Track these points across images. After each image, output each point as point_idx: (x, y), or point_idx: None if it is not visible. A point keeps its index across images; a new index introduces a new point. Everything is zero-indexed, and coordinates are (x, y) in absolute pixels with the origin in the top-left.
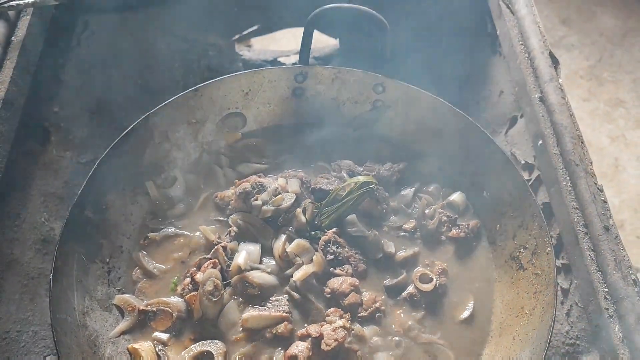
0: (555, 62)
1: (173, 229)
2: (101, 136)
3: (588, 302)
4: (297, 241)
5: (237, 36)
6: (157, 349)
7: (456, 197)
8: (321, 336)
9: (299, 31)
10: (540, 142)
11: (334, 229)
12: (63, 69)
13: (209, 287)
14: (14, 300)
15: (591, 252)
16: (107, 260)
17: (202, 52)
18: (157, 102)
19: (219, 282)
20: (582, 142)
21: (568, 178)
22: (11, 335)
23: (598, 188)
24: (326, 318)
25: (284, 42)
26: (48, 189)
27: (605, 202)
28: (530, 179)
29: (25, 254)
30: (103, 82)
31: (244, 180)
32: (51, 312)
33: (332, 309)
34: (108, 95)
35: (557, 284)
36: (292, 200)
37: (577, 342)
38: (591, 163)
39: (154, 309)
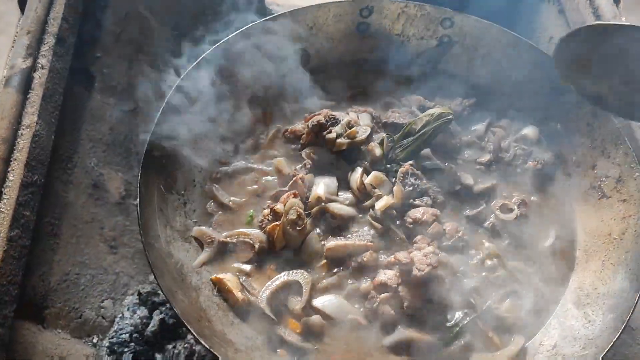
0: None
1: (244, 162)
2: (141, 85)
3: None
4: (375, 173)
5: None
6: (241, 280)
7: (529, 130)
8: (412, 262)
9: None
10: None
11: (410, 162)
12: (103, 13)
13: (292, 216)
14: (71, 244)
15: None
16: (182, 192)
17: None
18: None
19: (301, 211)
20: None
21: None
22: (71, 278)
23: None
24: (414, 245)
25: None
26: (95, 135)
27: None
28: None
29: (79, 198)
30: (141, 29)
31: (316, 113)
32: (142, 238)
33: (419, 237)
34: (145, 42)
35: None
36: (368, 133)
37: None
38: None
39: (234, 240)
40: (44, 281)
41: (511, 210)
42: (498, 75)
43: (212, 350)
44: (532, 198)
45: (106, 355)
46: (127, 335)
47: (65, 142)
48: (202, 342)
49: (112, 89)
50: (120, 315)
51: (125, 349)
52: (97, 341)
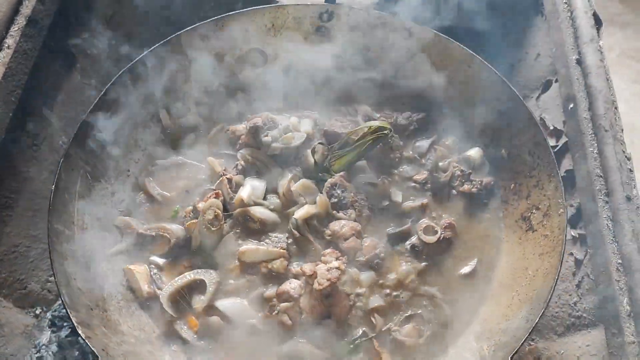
0: (598, 23)
1: (182, 158)
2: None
3: (599, 272)
4: (303, 181)
5: None
6: (151, 272)
7: (473, 152)
8: (315, 275)
9: None
10: (571, 105)
11: (341, 173)
12: None
13: (209, 216)
14: (25, 217)
15: (609, 222)
16: (113, 181)
17: None
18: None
19: (219, 212)
20: (615, 108)
21: (595, 144)
22: (20, 250)
23: (626, 156)
24: (322, 258)
25: None
26: (70, 114)
27: (631, 171)
28: (557, 145)
29: (41, 174)
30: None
31: (256, 115)
32: (49, 222)
33: (328, 250)
34: (136, 26)
35: (572, 254)
36: (302, 140)
37: (584, 314)
38: (622, 130)
39: (153, 233)
40: None
41: (435, 232)
42: (454, 92)
43: (86, 340)
44: (462, 222)
45: (47, 327)
46: None
47: (34, 120)
48: (79, 331)
49: (94, 71)
50: None
51: (65, 324)
52: (40, 313)
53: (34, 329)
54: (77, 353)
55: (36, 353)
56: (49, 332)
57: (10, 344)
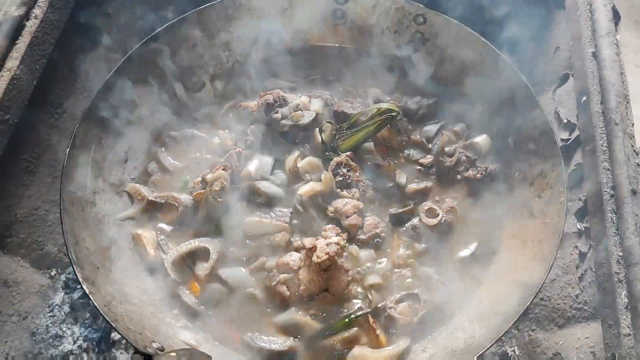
0: (617, 17)
1: (194, 130)
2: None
3: (600, 265)
4: (309, 158)
5: None
6: (158, 238)
7: (480, 139)
8: (314, 248)
9: None
10: (584, 98)
11: (348, 153)
12: None
13: (216, 187)
14: (45, 183)
15: (613, 215)
16: (126, 149)
17: None
18: None
19: (226, 184)
20: (627, 102)
21: (605, 137)
22: (39, 213)
23: (634, 150)
24: (322, 233)
25: None
26: (93, 85)
27: (639, 165)
28: (570, 139)
29: (62, 142)
30: None
31: (268, 92)
32: (62, 183)
33: (330, 226)
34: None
35: (577, 247)
36: (311, 118)
37: (585, 307)
38: (632, 124)
39: (162, 201)
40: (10, 212)
41: (436, 215)
42: (464, 79)
43: (89, 295)
44: (464, 207)
45: (61, 288)
46: None
47: (58, 89)
48: (84, 286)
49: (121, 46)
50: None
51: (78, 286)
52: (55, 274)
53: (48, 289)
54: (88, 315)
55: (49, 312)
56: (63, 294)
57: (25, 301)
